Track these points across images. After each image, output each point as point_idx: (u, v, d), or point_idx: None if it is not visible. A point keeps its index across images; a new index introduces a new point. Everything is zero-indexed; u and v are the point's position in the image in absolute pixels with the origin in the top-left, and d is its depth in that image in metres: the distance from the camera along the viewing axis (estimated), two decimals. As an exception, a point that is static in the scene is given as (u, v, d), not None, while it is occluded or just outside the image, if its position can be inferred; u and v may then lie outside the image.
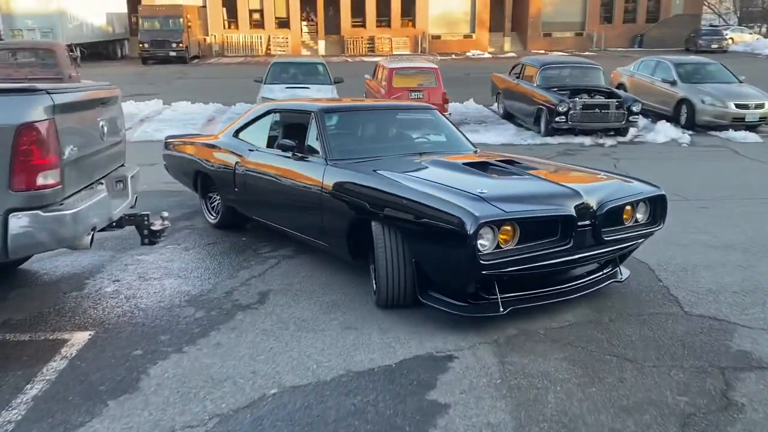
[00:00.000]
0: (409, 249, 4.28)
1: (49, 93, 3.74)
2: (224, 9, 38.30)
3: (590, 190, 4.39)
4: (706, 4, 41.97)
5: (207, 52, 37.23)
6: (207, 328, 4.31)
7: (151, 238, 4.77)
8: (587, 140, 12.70)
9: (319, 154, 5.26)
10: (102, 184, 4.57)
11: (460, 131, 6.19)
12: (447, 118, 6.42)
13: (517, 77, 14.91)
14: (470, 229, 3.77)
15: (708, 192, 8.44)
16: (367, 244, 4.64)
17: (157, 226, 4.76)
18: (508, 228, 3.99)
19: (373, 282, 4.66)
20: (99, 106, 4.48)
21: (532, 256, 4.03)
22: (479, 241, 3.83)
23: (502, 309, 4.12)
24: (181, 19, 31.61)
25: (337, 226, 4.90)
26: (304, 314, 4.53)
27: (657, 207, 4.74)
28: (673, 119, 14.16)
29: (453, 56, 36.04)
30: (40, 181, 3.69)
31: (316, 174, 5.10)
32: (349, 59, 34.11)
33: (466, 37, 39.87)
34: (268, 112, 6.30)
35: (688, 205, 7.71)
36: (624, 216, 4.54)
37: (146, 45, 31.29)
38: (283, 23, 38.50)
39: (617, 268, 4.88)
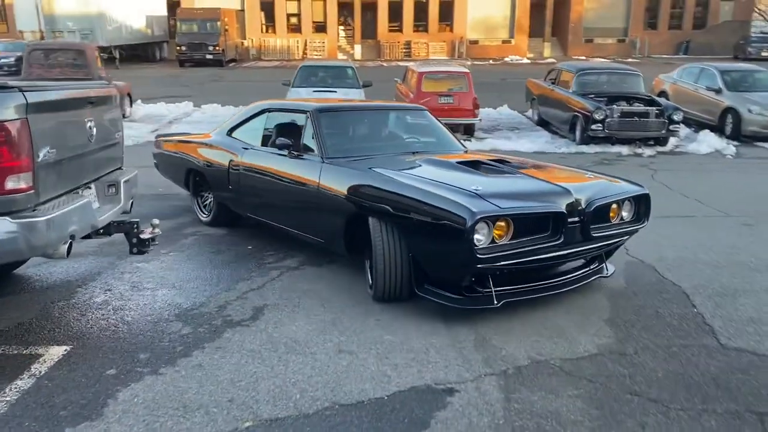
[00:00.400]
0: (405, 244, 4.39)
1: (22, 91, 3.48)
2: (262, 13, 38.44)
3: (579, 188, 4.54)
4: (757, 10, 40.41)
5: (244, 56, 37.40)
6: (191, 346, 3.99)
7: (139, 247, 4.49)
8: (625, 150, 12.10)
9: (315, 153, 5.37)
10: (90, 188, 4.31)
11: (449, 132, 6.31)
12: (438, 119, 6.44)
13: (553, 83, 14.39)
14: (468, 224, 3.90)
15: (753, 208, 7.82)
16: (362, 239, 4.74)
17: (146, 234, 4.48)
18: (503, 223, 4.11)
19: (369, 277, 4.76)
20: (86, 107, 4.20)
21: (524, 251, 4.18)
22: (475, 236, 3.96)
23: (496, 302, 4.21)
24: (219, 23, 31.76)
25: (334, 222, 5.00)
26: (297, 334, 4.18)
27: (641, 205, 4.90)
28: (718, 129, 13.45)
29: (490, 62, 35.49)
30: (10, 185, 3.42)
31: (312, 172, 5.20)
32: (385, 64, 33.85)
33: (504, 42, 39.23)
34: (262, 112, 6.32)
35: (730, 221, 7.14)
36: (610, 214, 4.71)
37: (183, 48, 31.52)
38: (320, 27, 38.44)
39: (603, 264, 5.00)
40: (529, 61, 35.72)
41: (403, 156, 5.45)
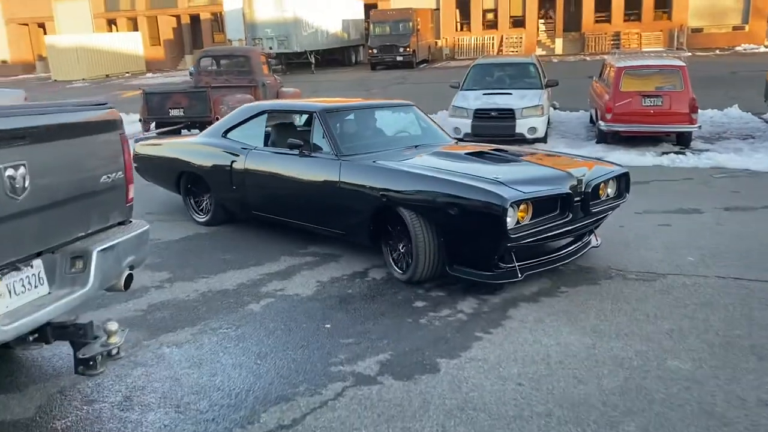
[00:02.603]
0: (438, 229, 4.76)
1: None
2: (457, 11, 36.84)
3: (578, 172, 5.10)
4: None
5: (438, 56, 36.10)
6: None
7: (84, 367, 2.91)
8: None
9: (327, 151, 5.63)
10: (31, 265, 2.82)
11: (436, 124, 6.73)
12: (428, 117, 6.76)
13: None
14: (502, 208, 4.39)
15: None
16: (383, 229, 5.20)
17: (96, 347, 2.89)
18: (524, 206, 4.58)
19: (390, 261, 5.19)
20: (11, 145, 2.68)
21: (542, 228, 4.70)
22: (507, 218, 4.40)
23: (520, 275, 4.73)
24: (410, 23, 30.69)
25: (358, 215, 5.28)
26: None
27: (622, 182, 5.50)
28: None
29: (717, 52, 30.38)
30: None
31: (330, 169, 5.46)
32: (588, 58, 30.39)
33: (735, 29, 33.46)
34: (261, 113, 6.50)
35: None
36: (600, 191, 5.21)
37: (375, 51, 30.92)
38: (518, 22, 35.89)
39: (592, 237, 5.63)
40: (767, 50, 30.00)
41: (406, 150, 5.79)
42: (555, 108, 14.98)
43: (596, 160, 5.84)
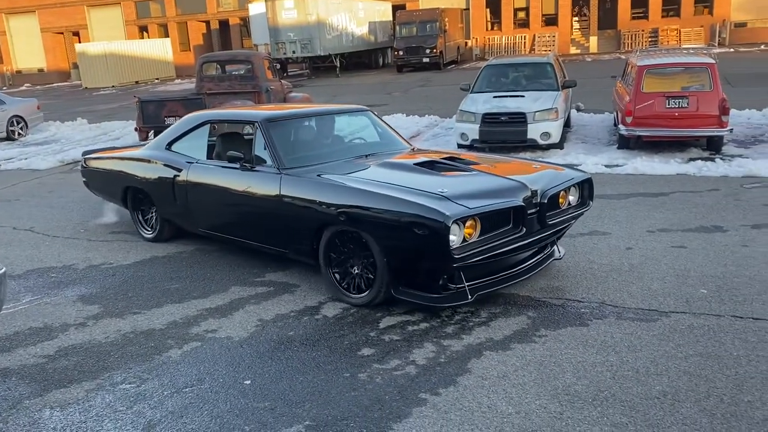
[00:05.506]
0: (381, 250, 4.40)
1: None
2: (487, 10, 35.87)
3: (532, 180, 4.73)
4: None
5: (468, 57, 35.19)
6: None
7: None
8: None
9: (269, 164, 5.22)
10: None
11: (393, 129, 6.28)
12: (382, 119, 6.39)
13: None
14: (443, 227, 4.03)
15: None
16: (328, 247, 4.77)
17: None
18: (471, 222, 4.23)
19: (336, 283, 4.75)
20: None
21: (492, 246, 4.31)
22: (451, 237, 4.06)
23: (470, 296, 4.36)
24: (437, 24, 29.88)
25: (299, 233, 4.94)
26: None
27: (585, 190, 5.16)
28: None
29: (762, 47, 28.76)
30: None
31: (271, 184, 5.08)
32: (622, 56, 29.11)
33: (783, 22, 31.79)
34: (203, 123, 6.07)
35: None
36: (560, 200, 4.87)
37: (401, 52, 30.20)
38: (550, 21, 34.74)
39: (556, 248, 5.29)
40: (817, 44, 28.31)
41: (358, 160, 5.42)
42: (579, 110, 14.05)
43: (555, 165, 5.50)
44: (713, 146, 9.61)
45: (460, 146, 10.24)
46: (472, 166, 5.04)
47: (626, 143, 9.98)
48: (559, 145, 10.16)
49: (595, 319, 4.26)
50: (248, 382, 3.61)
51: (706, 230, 6.09)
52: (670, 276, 4.97)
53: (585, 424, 3.08)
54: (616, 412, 3.18)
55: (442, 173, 4.89)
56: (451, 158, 5.34)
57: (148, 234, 6.54)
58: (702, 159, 9.16)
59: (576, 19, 35.47)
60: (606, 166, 9.10)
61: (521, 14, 35.43)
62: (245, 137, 6.08)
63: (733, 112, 10.30)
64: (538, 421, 3.12)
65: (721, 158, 9.12)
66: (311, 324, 4.38)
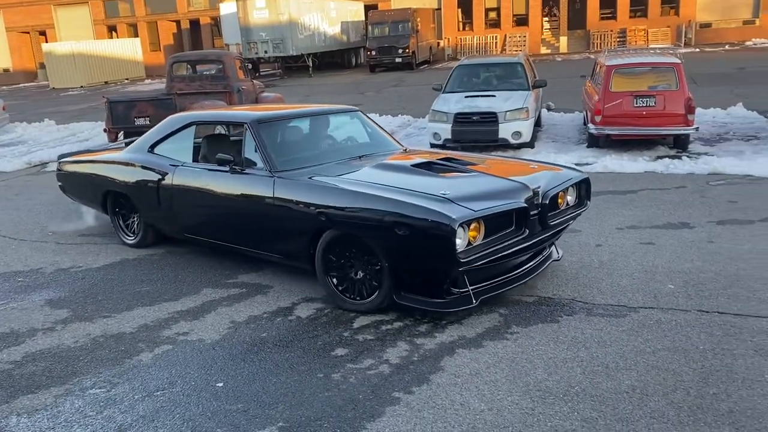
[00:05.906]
0: (382, 254, 4.28)
1: None
2: (459, 10, 36.05)
3: (532, 181, 4.65)
4: None
5: (440, 57, 35.32)
6: None
7: None
8: None
9: (259, 166, 5.07)
10: None
11: (383, 130, 6.19)
12: (373, 120, 6.30)
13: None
14: (449, 230, 3.91)
15: None
16: (326, 251, 4.58)
17: None
18: (475, 225, 4.13)
19: (335, 289, 4.59)
20: None
21: (497, 248, 4.21)
22: (456, 240, 3.94)
23: (474, 301, 4.27)
24: (409, 24, 29.94)
25: (295, 238, 4.77)
26: None
27: (582, 190, 5.09)
28: None
29: (726, 47, 29.36)
30: None
31: (264, 187, 4.91)
32: (592, 56, 29.47)
33: (746, 23, 32.44)
34: (188, 124, 5.89)
35: None
36: (559, 201, 4.81)
37: (373, 52, 30.21)
38: (521, 21, 35.07)
39: (553, 249, 5.23)
40: (779, 44, 28.97)
41: (351, 161, 5.29)
42: (550, 109, 14.20)
43: (552, 165, 5.42)
44: (680, 144, 9.79)
45: (432, 146, 10.29)
46: (469, 167, 4.95)
47: (596, 142, 10.12)
48: (530, 145, 10.27)
49: (566, 316, 4.32)
50: (221, 384, 3.59)
51: (673, 227, 6.21)
52: (638, 272, 5.06)
53: (556, 420, 3.12)
54: (587, 407, 3.23)
55: (441, 174, 4.78)
56: (446, 159, 5.25)
57: (130, 240, 6.31)
58: (669, 157, 9.33)
59: (546, 19, 35.84)
60: (576, 164, 9.20)
61: (492, 14, 35.72)
62: (231, 139, 5.96)
63: (698, 110, 10.52)
64: (510, 417, 3.16)
65: (687, 156, 9.29)
66: (284, 325, 4.36)
